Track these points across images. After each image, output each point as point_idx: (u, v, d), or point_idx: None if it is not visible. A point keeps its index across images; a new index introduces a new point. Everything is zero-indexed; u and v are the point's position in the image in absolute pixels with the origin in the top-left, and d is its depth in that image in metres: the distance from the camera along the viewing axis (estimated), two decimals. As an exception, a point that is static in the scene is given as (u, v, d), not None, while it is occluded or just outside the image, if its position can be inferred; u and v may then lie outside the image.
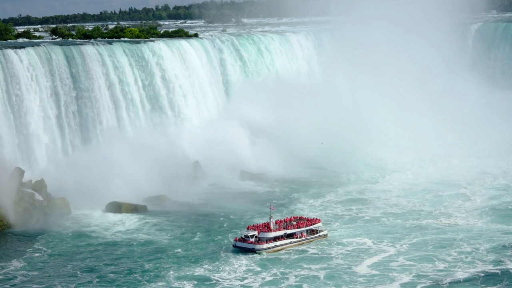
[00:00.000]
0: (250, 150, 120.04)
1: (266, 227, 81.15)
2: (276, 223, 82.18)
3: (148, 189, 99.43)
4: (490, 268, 73.65)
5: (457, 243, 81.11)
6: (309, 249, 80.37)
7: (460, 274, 72.23)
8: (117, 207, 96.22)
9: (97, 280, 72.75)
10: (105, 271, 75.05)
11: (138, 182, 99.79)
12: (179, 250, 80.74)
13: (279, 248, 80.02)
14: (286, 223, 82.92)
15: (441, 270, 73.45)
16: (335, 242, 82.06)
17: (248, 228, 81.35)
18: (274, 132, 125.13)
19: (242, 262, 76.69)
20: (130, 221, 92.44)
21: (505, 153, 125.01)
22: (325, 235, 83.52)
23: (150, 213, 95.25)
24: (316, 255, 78.59)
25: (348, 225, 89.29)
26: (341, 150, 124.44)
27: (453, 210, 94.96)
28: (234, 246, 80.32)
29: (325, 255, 78.32)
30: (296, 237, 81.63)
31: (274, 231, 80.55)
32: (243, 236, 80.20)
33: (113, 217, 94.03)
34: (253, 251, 78.88)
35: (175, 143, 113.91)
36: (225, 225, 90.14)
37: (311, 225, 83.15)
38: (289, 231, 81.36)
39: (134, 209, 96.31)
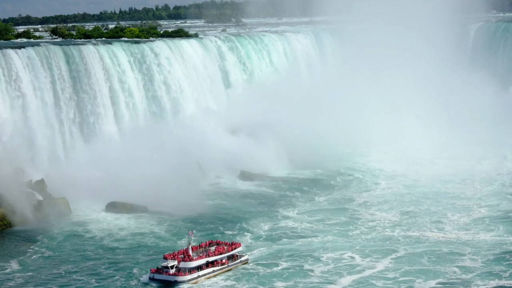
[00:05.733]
0: (250, 150, 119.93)
1: (187, 255, 73.44)
2: (192, 249, 74.24)
3: (148, 189, 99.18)
4: (507, 283, 67.57)
5: (459, 256, 75.12)
6: (283, 263, 75.07)
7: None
8: (117, 207, 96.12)
9: (96, 283, 72.42)
10: (104, 273, 74.81)
11: (138, 182, 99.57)
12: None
13: (202, 278, 72.61)
14: (203, 248, 75.67)
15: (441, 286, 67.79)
16: (311, 259, 76.10)
17: (166, 258, 72.91)
18: (274, 132, 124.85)
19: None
20: (130, 221, 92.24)
21: (505, 154, 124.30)
22: (246, 261, 76.08)
23: (150, 214, 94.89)
24: (292, 271, 73.19)
25: (335, 237, 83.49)
26: (341, 151, 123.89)
27: (452, 219, 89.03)
28: (151, 278, 71.51)
29: (304, 271, 73.00)
30: (218, 264, 74.31)
31: (195, 259, 72.91)
32: (161, 267, 72.11)
33: (113, 217, 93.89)
34: (175, 283, 71.06)
35: (175, 143, 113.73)
36: (225, 226, 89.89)
37: (231, 250, 75.69)
38: (211, 259, 73.93)
39: (134, 209, 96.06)
